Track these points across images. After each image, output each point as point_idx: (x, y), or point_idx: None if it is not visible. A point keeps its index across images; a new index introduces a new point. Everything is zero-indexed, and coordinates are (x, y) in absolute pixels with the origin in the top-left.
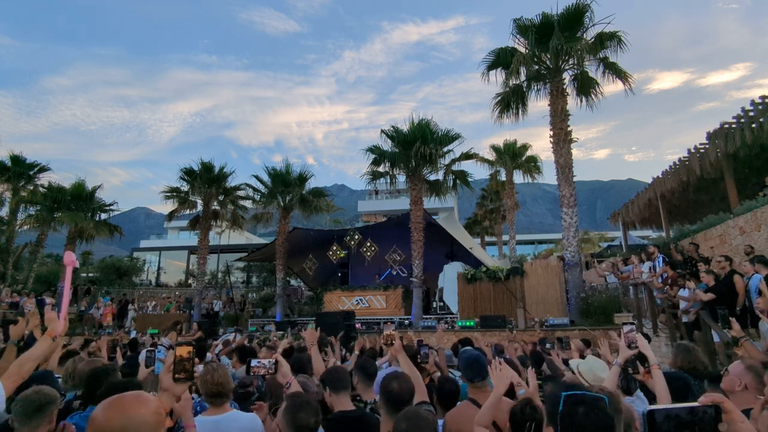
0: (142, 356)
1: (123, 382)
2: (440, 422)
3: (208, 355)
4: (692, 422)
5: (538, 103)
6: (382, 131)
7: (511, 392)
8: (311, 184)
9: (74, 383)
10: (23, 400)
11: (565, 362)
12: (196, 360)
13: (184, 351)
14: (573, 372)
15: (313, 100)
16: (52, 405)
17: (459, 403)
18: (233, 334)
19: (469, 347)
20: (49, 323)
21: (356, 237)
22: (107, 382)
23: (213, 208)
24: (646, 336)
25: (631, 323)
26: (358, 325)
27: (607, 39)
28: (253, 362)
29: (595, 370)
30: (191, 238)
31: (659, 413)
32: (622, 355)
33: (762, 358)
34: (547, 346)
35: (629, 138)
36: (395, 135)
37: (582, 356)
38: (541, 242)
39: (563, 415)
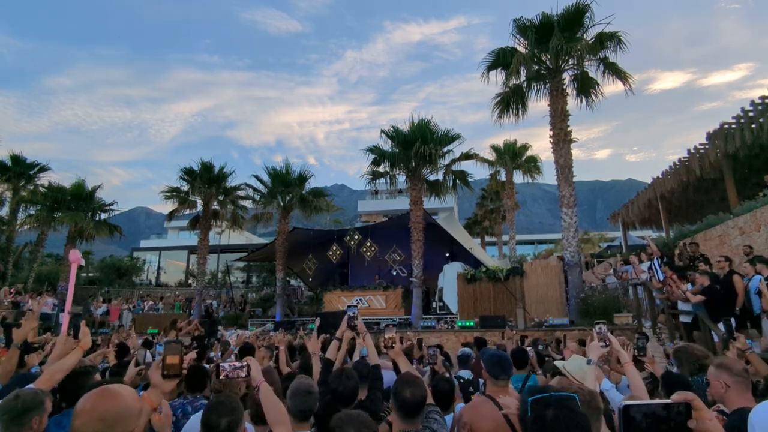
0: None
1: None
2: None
3: (211, 354)
4: (668, 418)
5: (538, 103)
6: (382, 131)
7: None
8: (311, 184)
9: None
10: (3, 407)
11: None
12: (193, 357)
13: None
14: (562, 373)
15: (315, 100)
16: (33, 411)
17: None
18: (234, 334)
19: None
20: (82, 337)
21: (356, 237)
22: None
23: (213, 208)
24: (645, 336)
25: (603, 322)
26: None
27: (607, 39)
28: (223, 365)
29: (583, 368)
30: (191, 238)
31: (634, 409)
32: (595, 354)
33: (763, 370)
34: (539, 347)
35: (630, 138)
36: (395, 135)
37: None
38: (541, 242)
39: (532, 420)
